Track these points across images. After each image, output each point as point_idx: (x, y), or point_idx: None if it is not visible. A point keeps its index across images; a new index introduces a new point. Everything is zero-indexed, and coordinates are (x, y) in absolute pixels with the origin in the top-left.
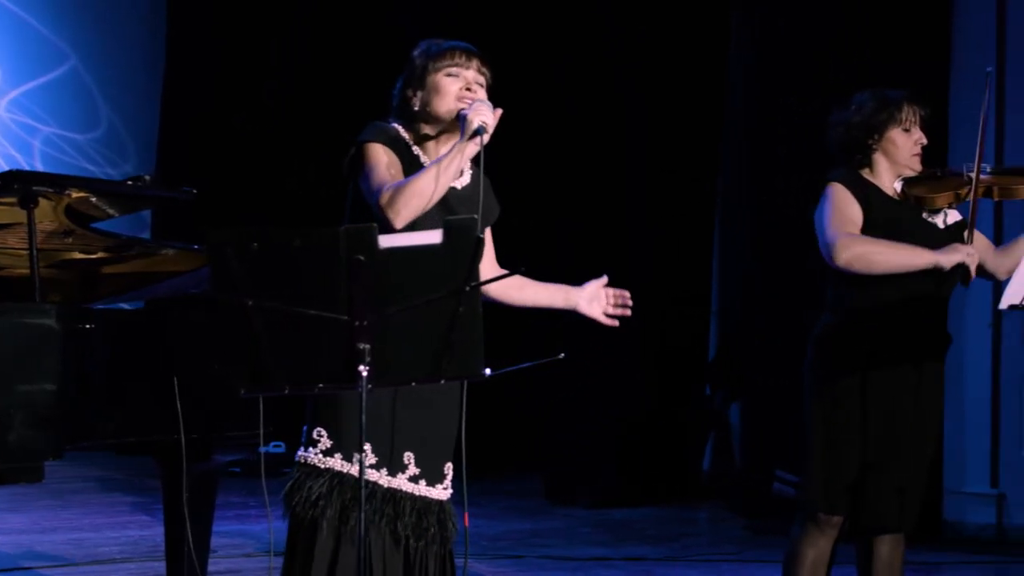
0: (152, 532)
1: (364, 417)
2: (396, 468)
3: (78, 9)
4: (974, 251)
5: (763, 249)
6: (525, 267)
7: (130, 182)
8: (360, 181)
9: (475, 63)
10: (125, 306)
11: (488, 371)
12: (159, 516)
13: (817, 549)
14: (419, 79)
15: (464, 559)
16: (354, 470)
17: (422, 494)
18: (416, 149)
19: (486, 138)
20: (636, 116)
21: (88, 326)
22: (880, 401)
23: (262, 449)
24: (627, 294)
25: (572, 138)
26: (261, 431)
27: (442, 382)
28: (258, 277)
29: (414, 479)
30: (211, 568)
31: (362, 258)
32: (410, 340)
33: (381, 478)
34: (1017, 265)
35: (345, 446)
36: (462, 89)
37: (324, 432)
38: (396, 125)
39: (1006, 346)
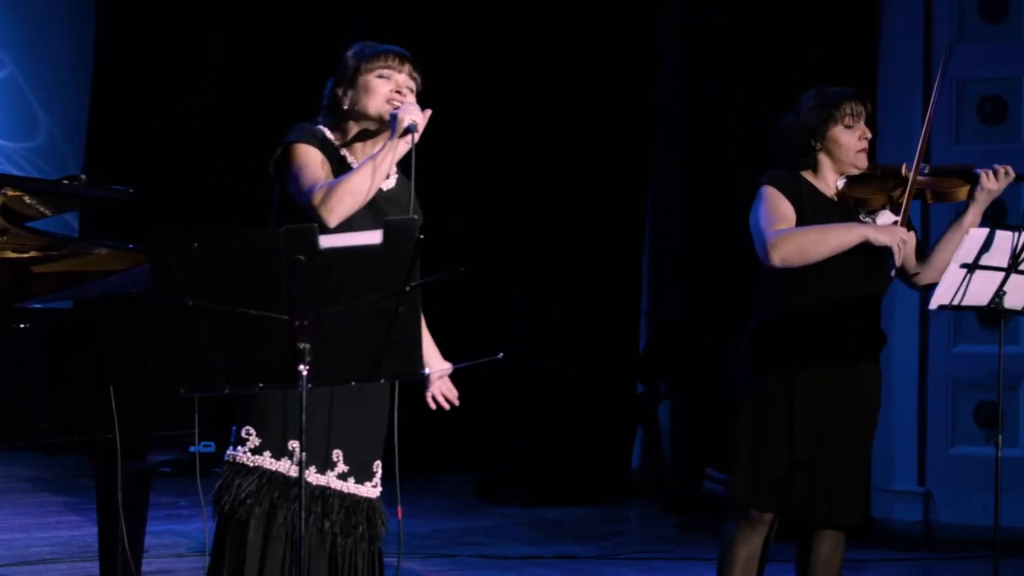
0: (83, 532)
1: (304, 416)
2: (325, 466)
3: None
4: (908, 236)
5: (692, 247)
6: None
7: (65, 181)
8: (288, 183)
9: (407, 68)
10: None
11: (427, 371)
12: (90, 516)
13: (750, 547)
14: (350, 79)
15: (398, 558)
16: (282, 467)
17: (351, 491)
18: (344, 151)
19: (416, 137)
20: (567, 114)
21: (23, 326)
22: (809, 400)
23: (193, 448)
24: (455, 394)
25: (501, 136)
26: (196, 430)
27: (381, 381)
28: (198, 278)
29: (343, 476)
30: (144, 568)
31: (302, 258)
32: (350, 340)
33: (310, 476)
34: (938, 275)
35: (274, 444)
36: (392, 91)
37: (253, 431)
38: (323, 127)
39: (933, 345)
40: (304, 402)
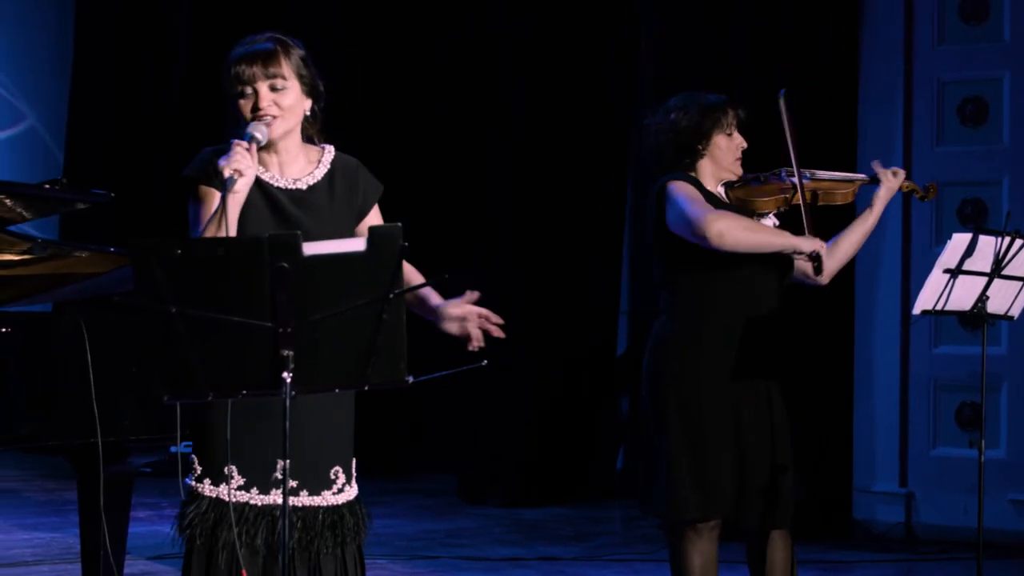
0: (64, 534)
1: (288, 424)
2: (268, 485)
3: None
4: (823, 244)
5: None
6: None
7: (47, 185)
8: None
9: (259, 69)
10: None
11: (411, 378)
12: (70, 517)
13: (703, 553)
14: (227, 102)
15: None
16: (221, 493)
17: (304, 504)
18: (259, 169)
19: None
20: (543, 112)
21: (4, 330)
22: (718, 408)
23: (174, 449)
24: (495, 317)
25: (479, 135)
26: (178, 433)
27: (366, 388)
28: (181, 284)
29: (292, 491)
30: (126, 570)
31: (286, 265)
32: (334, 347)
33: (253, 497)
34: (837, 265)
35: (212, 471)
36: (252, 110)
37: (196, 458)
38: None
39: (914, 347)
40: (287, 409)
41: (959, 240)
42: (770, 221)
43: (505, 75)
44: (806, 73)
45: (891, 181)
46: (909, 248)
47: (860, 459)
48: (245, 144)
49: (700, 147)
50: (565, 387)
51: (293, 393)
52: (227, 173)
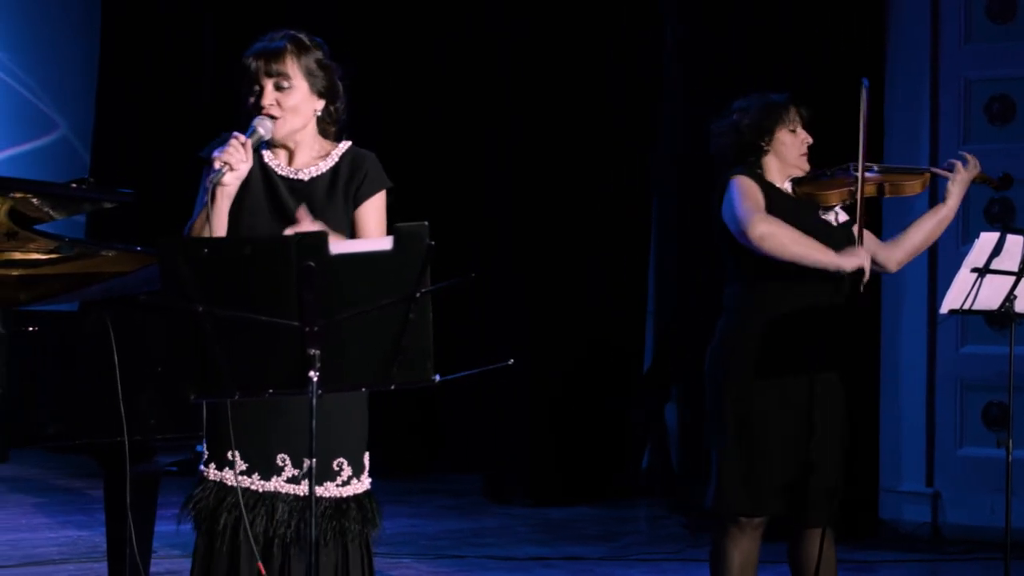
0: (90, 532)
1: (314, 422)
2: (270, 471)
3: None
4: (867, 255)
5: (698, 248)
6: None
7: (74, 184)
8: None
9: (264, 67)
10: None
11: (438, 377)
12: (97, 516)
13: (743, 552)
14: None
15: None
16: (225, 477)
17: (304, 494)
18: (267, 155)
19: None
20: (570, 114)
21: (33, 328)
22: (782, 404)
23: (200, 448)
24: None
25: (509, 137)
26: (204, 432)
27: (392, 388)
28: (208, 283)
29: (293, 480)
30: (152, 568)
31: (312, 264)
32: (360, 346)
33: (254, 483)
34: (906, 256)
35: (216, 455)
36: (256, 107)
37: (205, 444)
38: None
39: (941, 347)
40: (313, 408)
41: (987, 239)
42: (833, 216)
43: (515, 75)
44: (832, 72)
45: (964, 172)
46: (936, 247)
47: (887, 459)
48: (243, 138)
49: (763, 144)
50: (590, 386)
51: (319, 392)
52: (216, 165)
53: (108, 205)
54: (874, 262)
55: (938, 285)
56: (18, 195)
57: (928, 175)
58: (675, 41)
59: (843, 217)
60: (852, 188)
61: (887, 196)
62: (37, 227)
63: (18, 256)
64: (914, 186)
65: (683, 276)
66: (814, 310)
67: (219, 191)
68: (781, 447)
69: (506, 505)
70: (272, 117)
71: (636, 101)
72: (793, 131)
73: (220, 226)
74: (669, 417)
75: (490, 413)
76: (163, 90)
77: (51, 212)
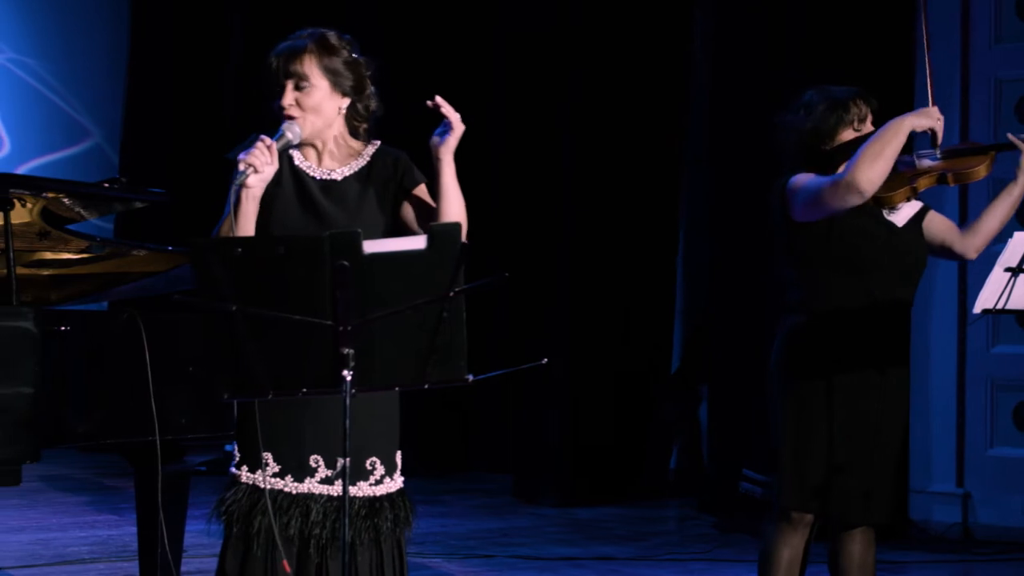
0: (121, 532)
1: (348, 422)
2: (303, 473)
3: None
4: (941, 116)
5: (727, 248)
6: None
7: (106, 184)
8: None
9: (283, 67)
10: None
11: (471, 376)
12: (127, 515)
13: (792, 548)
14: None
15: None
16: (258, 480)
17: (338, 494)
18: (297, 156)
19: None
20: (600, 116)
21: (64, 328)
22: (844, 403)
23: (229, 447)
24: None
25: (538, 139)
26: (235, 433)
27: (425, 387)
28: (242, 283)
29: (327, 481)
30: (183, 568)
31: (346, 263)
32: (394, 345)
33: (288, 485)
34: (984, 242)
35: (248, 457)
36: (278, 107)
37: (237, 445)
38: None
39: (971, 347)
40: (347, 407)
41: (1020, 238)
42: (910, 210)
43: (562, 71)
44: (862, 71)
45: None
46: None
47: (916, 459)
48: (268, 141)
49: (826, 147)
50: (619, 387)
51: (353, 391)
52: (241, 167)
53: (139, 205)
54: (952, 250)
55: (968, 285)
56: (50, 195)
57: (993, 155)
58: (703, 36)
59: (912, 209)
60: (915, 183)
61: (952, 184)
62: (69, 227)
63: (49, 256)
64: (979, 171)
65: (712, 276)
66: (881, 306)
67: (244, 193)
68: (846, 446)
69: (536, 505)
70: (291, 117)
71: (664, 100)
72: (857, 130)
73: (246, 227)
74: (701, 416)
75: (520, 414)
76: (192, 92)
77: (82, 212)
